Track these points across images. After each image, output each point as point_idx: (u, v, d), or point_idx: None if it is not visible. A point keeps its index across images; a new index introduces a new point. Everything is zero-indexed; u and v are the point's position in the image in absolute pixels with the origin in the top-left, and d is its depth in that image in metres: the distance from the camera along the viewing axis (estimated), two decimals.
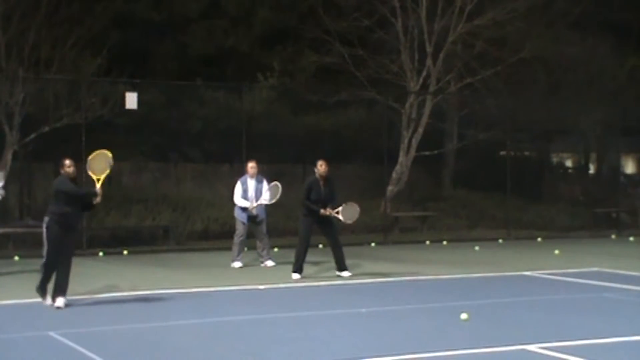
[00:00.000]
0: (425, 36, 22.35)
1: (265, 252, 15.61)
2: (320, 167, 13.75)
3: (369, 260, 16.30)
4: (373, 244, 19.81)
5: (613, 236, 22.65)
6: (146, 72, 22.45)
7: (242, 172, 19.71)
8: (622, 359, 8.17)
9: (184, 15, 24.98)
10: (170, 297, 11.93)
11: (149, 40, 23.84)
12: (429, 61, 22.54)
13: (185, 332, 9.38)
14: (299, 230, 14.27)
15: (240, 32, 25.33)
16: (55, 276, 10.92)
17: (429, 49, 22.43)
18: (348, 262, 14.35)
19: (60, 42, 19.21)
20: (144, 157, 22.63)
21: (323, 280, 13.67)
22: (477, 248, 19.17)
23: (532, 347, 8.37)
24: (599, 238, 22.18)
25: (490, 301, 11.69)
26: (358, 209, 13.93)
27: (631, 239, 21.75)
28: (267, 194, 15.04)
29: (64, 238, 10.82)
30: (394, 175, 22.51)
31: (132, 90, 19.07)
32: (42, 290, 11.03)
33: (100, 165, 11.11)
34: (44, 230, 10.86)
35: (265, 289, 12.68)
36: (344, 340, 8.87)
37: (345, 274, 13.93)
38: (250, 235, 15.78)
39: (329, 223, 13.84)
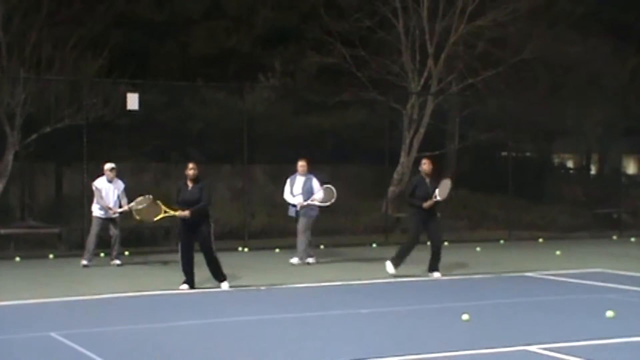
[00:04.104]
0: (427, 37, 22.33)
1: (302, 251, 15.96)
2: (425, 165, 14.15)
3: (371, 261, 16.29)
4: (374, 245, 19.79)
5: (614, 237, 22.62)
6: (147, 73, 22.42)
7: (243, 172, 19.79)
8: (623, 359, 8.16)
9: (185, 16, 24.95)
10: (172, 297, 11.94)
11: (150, 40, 23.81)
12: (430, 62, 22.51)
13: (186, 332, 9.38)
14: (409, 228, 14.45)
15: (242, 32, 25.29)
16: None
17: (430, 49, 22.41)
18: (350, 263, 14.37)
19: (62, 43, 19.19)
20: (145, 157, 22.61)
21: (324, 281, 13.67)
22: (478, 249, 19.16)
23: (534, 348, 8.37)
24: (600, 239, 22.15)
25: (492, 302, 11.69)
26: (449, 182, 14.28)
27: (632, 239, 21.73)
28: (320, 193, 15.55)
29: (190, 236, 12.45)
30: (395, 175, 22.49)
31: (133, 90, 19.05)
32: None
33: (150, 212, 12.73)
34: None
35: (266, 289, 12.68)
36: (345, 341, 8.87)
37: (436, 275, 14.06)
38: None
39: (434, 220, 14.11)
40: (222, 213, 20.61)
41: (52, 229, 18.45)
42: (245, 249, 18.76)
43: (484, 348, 8.39)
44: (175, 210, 12.58)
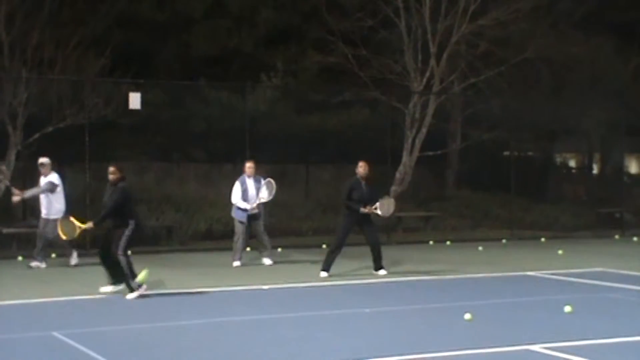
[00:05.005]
0: (429, 36, 22.33)
1: (265, 250, 15.71)
2: (361, 168, 14.11)
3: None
4: None
5: (617, 236, 22.61)
6: (150, 72, 22.45)
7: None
8: (625, 359, 8.16)
9: (188, 15, 24.98)
10: (174, 297, 11.93)
11: (152, 40, 23.86)
12: (432, 61, 22.51)
13: (188, 332, 9.38)
14: (337, 229, 14.45)
15: (244, 32, 25.33)
16: None
17: (432, 49, 22.41)
18: (352, 262, 14.35)
19: (64, 42, 19.20)
20: (147, 157, 22.64)
21: (327, 280, 13.67)
22: (480, 248, 19.15)
23: (536, 347, 8.37)
24: (602, 238, 22.14)
25: (494, 301, 11.69)
26: (393, 201, 14.31)
27: (635, 239, 21.71)
28: (265, 192, 15.24)
29: (107, 239, 11.96)
30: (397, 175, 22.49)
31: (135, 90, 19.06)
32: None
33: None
34: None
35: (268, 289, 12.68)
36: (347, 340, 8.87)
37: (382, 272, 14.11)
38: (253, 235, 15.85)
39: (369, 222, 14.08)
40: (224, 212, 20.63)
41: None
42: (247, 248, 18.72)
43: (487, 347, 8.39)
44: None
